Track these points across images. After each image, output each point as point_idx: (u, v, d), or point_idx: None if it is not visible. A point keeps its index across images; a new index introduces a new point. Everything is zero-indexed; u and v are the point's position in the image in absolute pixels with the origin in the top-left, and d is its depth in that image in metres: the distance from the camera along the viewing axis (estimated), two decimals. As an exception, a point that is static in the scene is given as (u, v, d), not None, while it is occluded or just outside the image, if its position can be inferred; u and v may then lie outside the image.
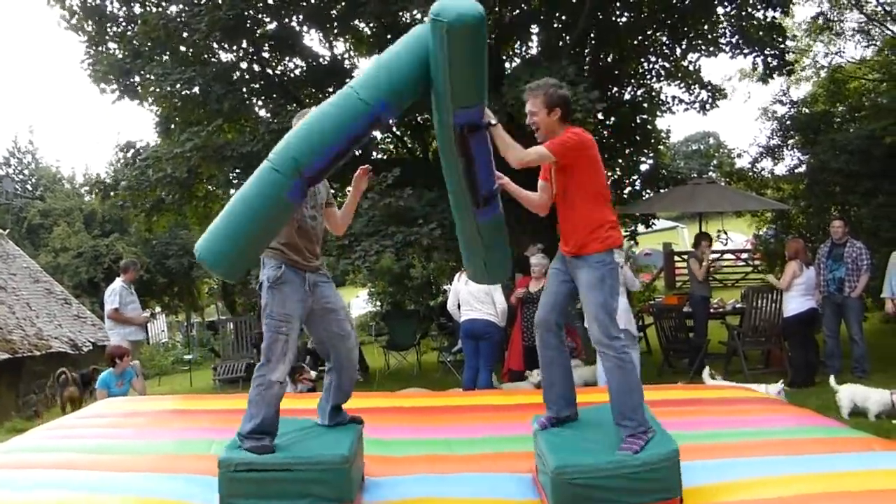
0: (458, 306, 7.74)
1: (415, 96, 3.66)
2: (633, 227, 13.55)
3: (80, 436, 5.54)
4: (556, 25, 11.97)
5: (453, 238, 9.56)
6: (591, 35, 11.24)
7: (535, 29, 12.41)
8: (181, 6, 10.60)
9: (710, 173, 18.21)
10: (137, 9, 11.58)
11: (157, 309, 25.15)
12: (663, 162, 14.76)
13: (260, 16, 11.47)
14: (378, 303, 19.98)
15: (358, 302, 24.33)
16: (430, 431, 5.18)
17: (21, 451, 5.13)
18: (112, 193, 11.49)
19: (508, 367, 8.17)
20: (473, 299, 7.46)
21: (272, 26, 11.92)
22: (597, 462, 3.50)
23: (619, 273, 7.57)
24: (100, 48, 11.84)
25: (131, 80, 11.25)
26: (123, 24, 11.74)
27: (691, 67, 13.29)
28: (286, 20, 11.82)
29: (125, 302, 9.05)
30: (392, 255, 9.09)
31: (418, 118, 12.62)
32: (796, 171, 13.96)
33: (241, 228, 3.43)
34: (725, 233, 13.56)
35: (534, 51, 12.50)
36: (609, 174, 13.63)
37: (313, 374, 7.88)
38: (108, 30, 11.70)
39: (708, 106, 13.35)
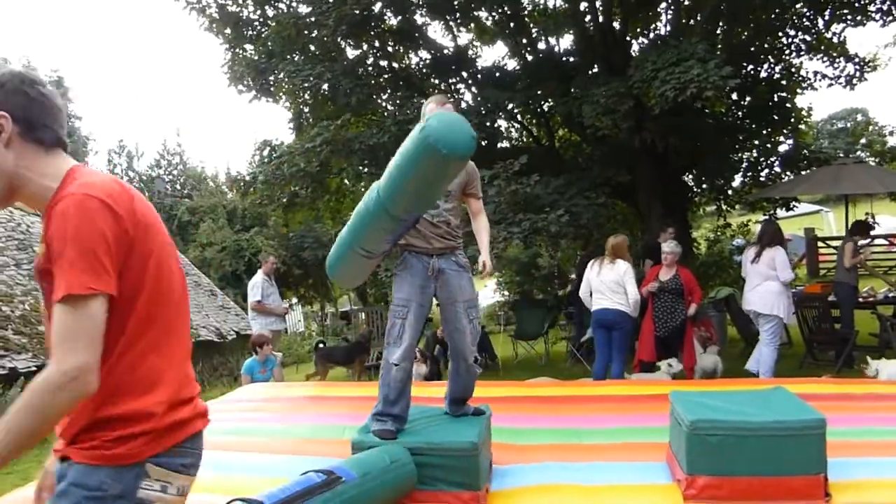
0: (591, 295, 7.63)
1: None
2: (771, 211, 12.87)
3: (224, 419, 5.88)
4: (685, 3, 11.58)
5: (581, 225, 9.54)
6: (722, 9, 10.76)
7: (664, 7, 12.06)
8: (311, 6, 11.01)
9: (859, 153, 17.00)
10: (271, 12, 12.14)
11: (294, 300, 26.29)
12: (805, 142, 13.92)
13: (384, 11, 11.74)
14: (506, 292, 19.99)
15: (486, 292, 24.47)
16: (559, 421, 5.14)
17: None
18: (251, 189, 12.09)
19: (639, 357, 7.97)
20: (606, 289, 7.33)
21: (396, 20, 12.18)
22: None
23: (772, 257, 7.29)
24: (237, 51, 12.48)
25: (266, 79, 11.79)
26: (259, 26, 12.33)
27: (835, 39, 12.45)
28: (410, 14, 12.04)
29: (266, 294, 9.51)
30: (519, 242, 9.07)
31: (543, 105, 12.53)
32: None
33: (343, 248, 3.64)
34: (873, 217, 12.62)
35: (663, 31, 12.14)
36: (745, 156, 13.02)
37: (424, 367, 8.05)
38: (245, 33, 12.31)
39: (855, 80, 12.45)
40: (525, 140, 13.86)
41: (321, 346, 11.18)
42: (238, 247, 22.73)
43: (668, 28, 11.66)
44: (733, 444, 3.36)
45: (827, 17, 11.87)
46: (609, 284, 7.29)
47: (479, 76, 12.70)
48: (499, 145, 12.73)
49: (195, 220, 24.76)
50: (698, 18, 10.95)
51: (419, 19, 12.47)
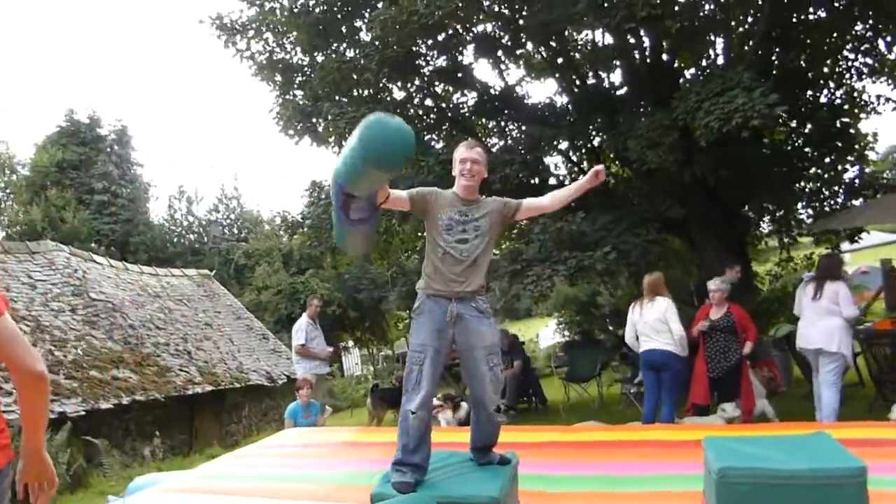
0: (637, 338, 7.51)
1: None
2: (836, 244, 12.47)
3: (261, 464, 5.96)
4: (740, 29, 11.49)
5: (631, 262, 9.43)
6: (774, 35, 10.62)
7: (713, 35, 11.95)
8: (355, 50, 11.28)
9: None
10: (320, 57, 12.48)
11: (350, 343, 26.52)
12: (870, 169, 13.48)
13: (428, 53, 11.94)
14: (566, 333, 19.79)
15: (546, 333, 24.25)
16: (598, 467, 5.01)
17: (208, 477, 5.62)
18: (299, 231, 12.34)
19: (692, 401, 7.75)
20: (649, 329, 7.20)
21: (441, 61, 12.37)
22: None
23: (835, 291, 7.03)
24: (286, 96, 12.85)
25: (312, 122, 12.07)
26: (307, 70, 12.69)
27: (901, 61, 12.10)
28: (455, 53, 12.22)
29: (310, 337, 9.64)
30: (564, 279, 9.02)
31: (592, 140, 12.50)
32: None
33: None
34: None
35: (716, 59, 12.03)
36: (807, 186, 12.68)
37: (449, 413, 7.98)
38: (293, 79, 12.67)
39: (923, 104, 12.07)
40: (574, 176, 13.79)
41: (376, 388, 11.24)
42: (293, 290, 23.12)
43: (721, 56, 11.55)
44: (765, 493, 3.20)
45: (889, 39, 11.56)
46: (652, 324, 7.16)
47: (527, 113, 12.77)
48: (550, 181, 12.74)
49: (251, 264, 25.33)
50: (751, 44, 10.80)
51: (465, 58, 12.66)
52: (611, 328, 16.42)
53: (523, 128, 12.61)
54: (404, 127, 3.37)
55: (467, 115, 13.11)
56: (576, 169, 13.69)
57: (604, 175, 4.17)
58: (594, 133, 11.98)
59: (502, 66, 13.18)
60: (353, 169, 3.39)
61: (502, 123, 13.32)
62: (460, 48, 12.20)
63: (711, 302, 7.59)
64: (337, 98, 11.70)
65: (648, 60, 11.59)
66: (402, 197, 3.90)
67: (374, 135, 3.30)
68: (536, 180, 11.70)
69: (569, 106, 12.66)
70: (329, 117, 11.20)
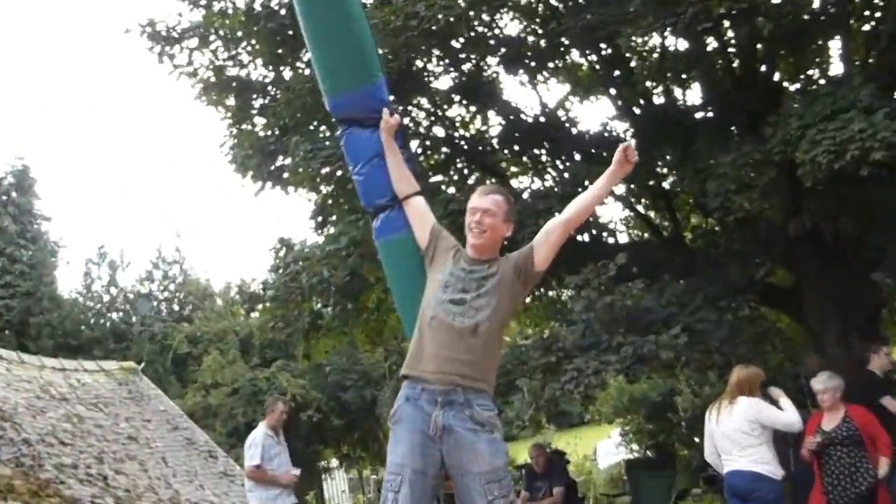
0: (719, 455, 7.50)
1: None
2: None
3: None
4: (863, 28, 11.69)
5: (711, 350, 9.44)
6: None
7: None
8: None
9: None
10: (287, 73, 12.76)
11: (334, 462, 26.42)
12: None
13: (437, 65, 12.24)
14: (635, 445, 19.67)
15: (607, 446, 23.99)
16: None
17: None
18: (260, 307, 12.51)
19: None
20: (729, 442, 7.18)
21: (454, 76, 12.65)
22: None
23: None
24: (242, 126, 13.14)
25: (276, 161, 12.35)
26: (271, 91, 12.97)
27: None
28: (474, 65, 12.51)
29: (269, 455, 9.59)
30: (615, 374, 9.07)
31: (661, 180, 12.65)
32: None
33: None
34: None
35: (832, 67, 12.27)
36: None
37: None
38: (252, 102, 12.98)
39: None
40: (638, 231, 13.98)
41: None
42: (255, 388, 23.19)
43: (836, 64, 11.78)
44: None
45: None
46: (732, 435, 7.14)
47: (572, 145, 12.94)
48: (603, 236, 12.86)
49: (197, 353, 25.48)
50: (873, 51, 10.98)
51: (489, 70, 12.91)
52: (696, 439, 16.34)
53: (567, 164, 12.78)
54: None
55: (490, 148, 13.36)
56: (637, 220, 13.83)
57: (634, 155, 3.99)
58: (663, 170, 12.10)
59: (538, 81, 13.44)
60: None
61: (538, 159, 13.52)
62: (481, 58, 12.50)
63: (822, 407, 7.58)
64: (311, 127, 11.96)
65: (737, 72, 11.80)
66: (421, 214, 4.28)
67: None
68: (585, 237, 11.82)
69: (628, 134, 12.85)
70: (300, 155, 11.42)
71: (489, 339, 3.90)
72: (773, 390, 7.48)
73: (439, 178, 12.87)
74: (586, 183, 11.05)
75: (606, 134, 13.20)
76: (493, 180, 12.79)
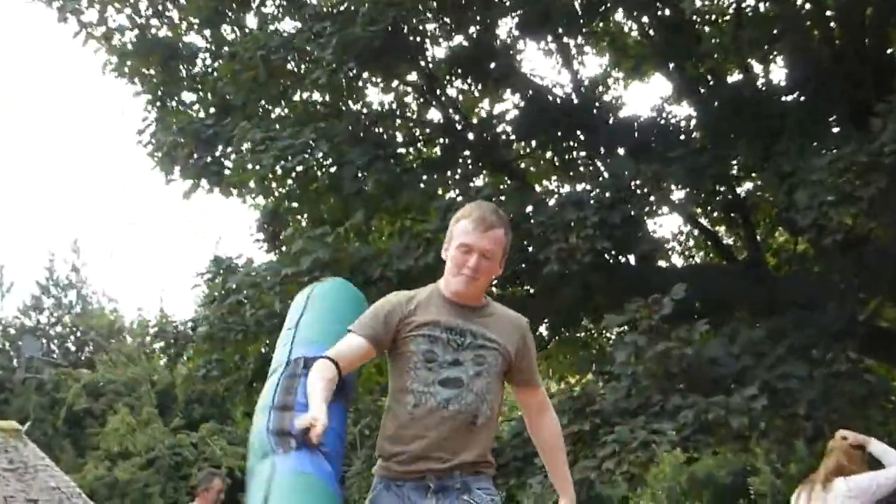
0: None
1: None
2: None
3: None
4: None
5: (801, 414, 9.51)
6: None
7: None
8: (296, 22, 11.68)
9: None
10: (229, 35, 12.82)
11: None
12: None
13: (434, 27, 12.36)
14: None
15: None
16: None
17: None
18: (185, 350, 12.57)
19: None
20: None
21: (456, 41, 12.74)
22: None
23: None
24: (167, 103, 13.22)
25: (213, 154, 12.49)
26: (207, 61, 13.10)
27: None
28: (482, 27, 12.58)
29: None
30: (670, 447, 9.12)
31: (734, 185, 12.71)
32: None
33: None
34: None
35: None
36: None
37: None
38: (180, 73, 13.09)
39: None
40: (703, 253, 14.04)
41: None
42: (177, 458, 23.15)
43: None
44: None
45: None
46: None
47: (614, 135, 12.94)
48: (658, 260, 12.91)
49: (99, 409, 25.34)
50: None
51: (503, 32, 13.00)
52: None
53: (608, 160, 12.83)
54: None
55: (503, 138, 13.52)
56: (701, 238, 13.84)
57: None
58: (737, 172, 12.22)
59: (570, 51, 13.50)
60: None
61: (569, 154, 13.60)
62: (492, 19, 12.60)
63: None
64: (261, 109, 12.12)
65: (837, 44, 11.90)
66: (355, 350, 4.03)
67: None
68: (629, 258, 11.90)
69: (691, 121, 12.96)
70: (246, 145, 11.58)
71: (491, 424, 4.05)
72: (872, 444, 7.59)
73: (435, 177, 12.88)
74: (633, 185, 11.27)
75: (661, 121, 13.28)
76: (509, 183, 12.88)
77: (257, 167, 11.41)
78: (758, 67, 13.34)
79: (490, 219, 4.12)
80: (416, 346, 3.98)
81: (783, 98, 12.62)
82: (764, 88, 12.87)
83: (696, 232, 14.30)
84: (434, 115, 13.47)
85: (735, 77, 13.11)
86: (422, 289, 4.16)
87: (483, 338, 4.03)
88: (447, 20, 12.46)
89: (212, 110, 12.84)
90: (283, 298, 11.09)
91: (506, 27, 12.99)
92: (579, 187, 12.77)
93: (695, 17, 13.13)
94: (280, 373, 4.13)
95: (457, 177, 13.02)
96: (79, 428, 26.20)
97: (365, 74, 12.25)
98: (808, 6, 11.63)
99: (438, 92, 13.29)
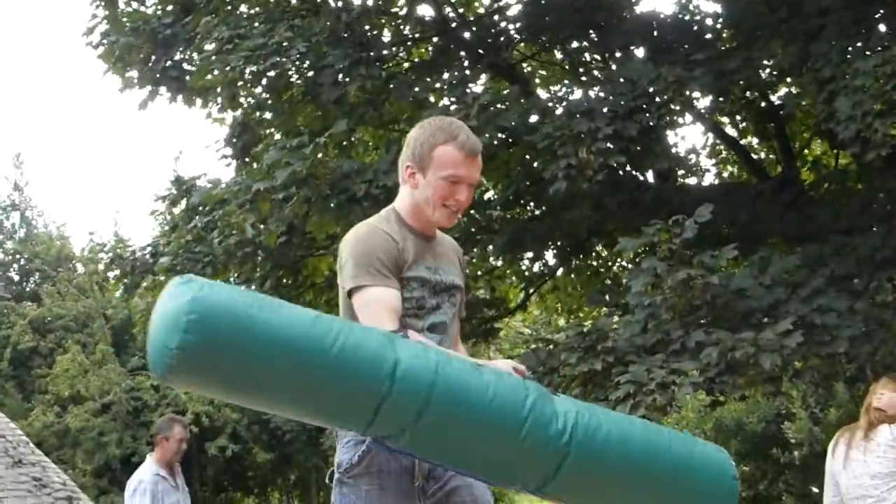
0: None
1: None
2: None
3: None
4: None
5: (838, 353, 9.53)
6: None
7: None
8: None
9: None
10: None
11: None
12: None
13: None
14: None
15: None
16: None
17: None
18: (143, 283, 12.57)
19: None
20: (862, 491, 7.34)
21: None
22: None
23: None
24: (123, -1, 13.16)
25: (173, 57, 12.40)
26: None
27: None
28: None
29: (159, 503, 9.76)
30: (692, 389, 9.12)
31: (768, 92, 12.70)
32: None
33: None
34: None
35: None
36: None
37: None
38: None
39: None
40: (730, 169, 14.04)
41: None
42: (136, 403, 23.26)
43: None
44: None
45: None
46: (863, 480, 7.29)
47: (629, 32, 12.92)
48: (681, 177, 12.93)
49: (46, 348, 25.44)
50: None
51: None
52: (814, 489, 16.53)
53: (622, 64, 12.79)
54: None
55: (504, 38, 13.42)
56: (729, 153, 13.82)
57: None
58: (770, 77, 12.17)
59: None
60: None
61: (578, 55, 13.56)
62: None
63: None
64: (229, 6, 11.97)
65: None
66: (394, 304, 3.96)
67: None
68: (647, 175, 11.90)
69: (719, 19, 12.91)
70: (211, 46, 11.50)
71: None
72: None
73: (427, 81, 12.86)
74: (651, 92, 11.22)
75: (685, 18, 13.22)
76: (510, 88, 12.79)
77: (225, 69, 11.34)
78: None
79: (477, 144, 4.11)
80: (410, 292, 3.99)
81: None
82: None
83: (723, 146, 14.27)
84: (426, 10, 13.37)
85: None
86: (383, 220, 4.03)
87: (448, 274, 4.12)
88: None
89: (169, 7, 12.67)
90: (258, 221, 11.09)
91: None
92: (591, 94, 12.63)
93: None
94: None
95: (452, 82, 12.82)
96: (24, 369, 26.28)
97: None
98: None
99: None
